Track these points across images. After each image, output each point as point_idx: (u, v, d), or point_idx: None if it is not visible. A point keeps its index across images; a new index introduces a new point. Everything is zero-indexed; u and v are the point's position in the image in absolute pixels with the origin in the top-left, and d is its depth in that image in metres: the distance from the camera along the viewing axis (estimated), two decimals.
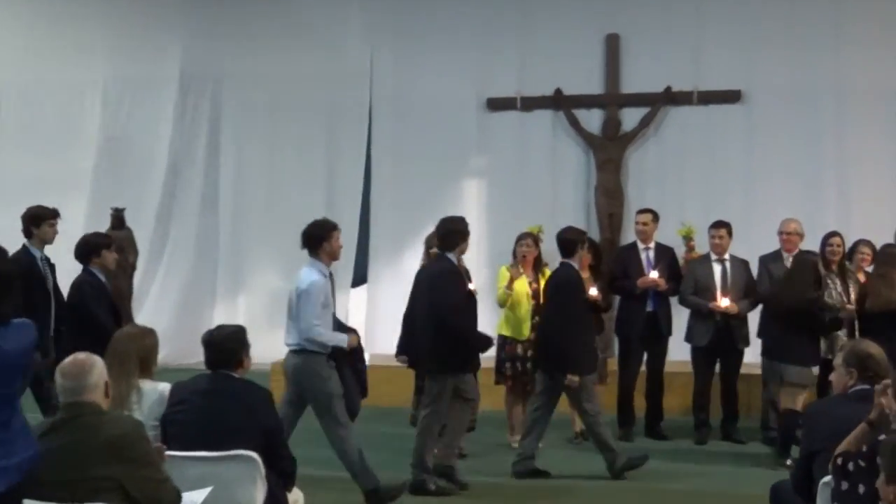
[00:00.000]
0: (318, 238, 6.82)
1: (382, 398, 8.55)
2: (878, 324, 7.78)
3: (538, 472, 7.57)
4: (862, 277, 8.79)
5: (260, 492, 4.68)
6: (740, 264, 8.98)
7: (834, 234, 8.80)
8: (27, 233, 7.70)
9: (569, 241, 7.71)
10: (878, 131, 11.30)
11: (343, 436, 6.74)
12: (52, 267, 7.77)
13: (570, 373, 7.38)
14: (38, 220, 7.71)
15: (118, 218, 11.12)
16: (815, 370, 8.14)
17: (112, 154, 12.86)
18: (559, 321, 7.50)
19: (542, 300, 8.20)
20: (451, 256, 7.24)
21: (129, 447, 3.94)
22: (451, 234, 7.26)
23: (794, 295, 7.92)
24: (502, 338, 8.36)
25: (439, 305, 7.07)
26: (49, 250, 7.80)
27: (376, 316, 12.02)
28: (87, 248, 7.40)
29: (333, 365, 6.77)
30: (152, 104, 12.93)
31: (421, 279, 7.74)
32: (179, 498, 4.13)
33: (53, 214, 7.84)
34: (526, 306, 8.39)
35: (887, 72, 11.16)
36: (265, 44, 12.64)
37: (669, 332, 9.17)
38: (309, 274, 6.78)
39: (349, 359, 6.86)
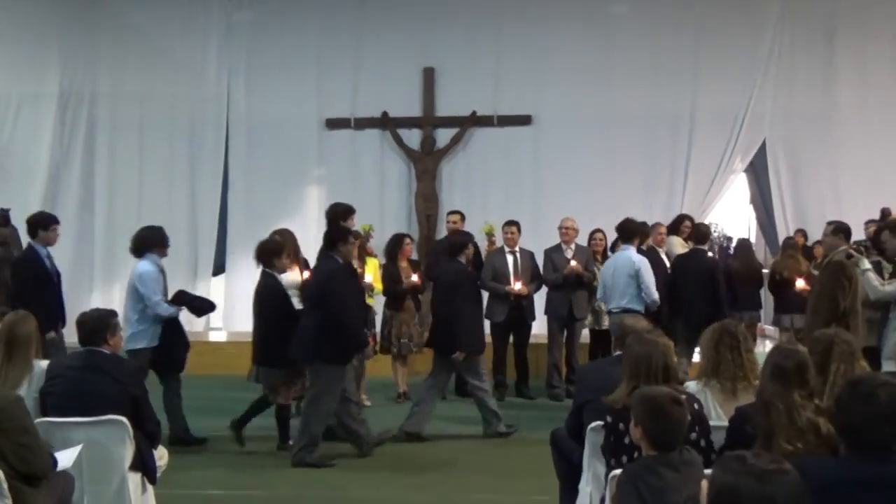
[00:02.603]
0: (635, 231, 8.10)
1: (238, 368, 8.40)
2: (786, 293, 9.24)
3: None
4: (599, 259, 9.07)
5: (129, 450, 4.61)
6: (528, 255, 9.07)
7: (597, 230, 9.15)
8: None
9: (701, 233, 8.72)
10: (637, 149, 11.82)
11: None
12: None
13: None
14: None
15: (3, 216, 10.53)
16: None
17: None
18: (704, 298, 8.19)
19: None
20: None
21: (6, 419, 3.76)
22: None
23: None
24: None
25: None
26: None
27: (233, 298, 11.89)
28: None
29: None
30: (35, 118, 12.29)
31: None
32: (52, 463, 4.01)
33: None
34: None
35: (649, 101, 11.68)
36: (135, 67, 12.34)
37: None
38: (632, 254, 7.96)
39: None
